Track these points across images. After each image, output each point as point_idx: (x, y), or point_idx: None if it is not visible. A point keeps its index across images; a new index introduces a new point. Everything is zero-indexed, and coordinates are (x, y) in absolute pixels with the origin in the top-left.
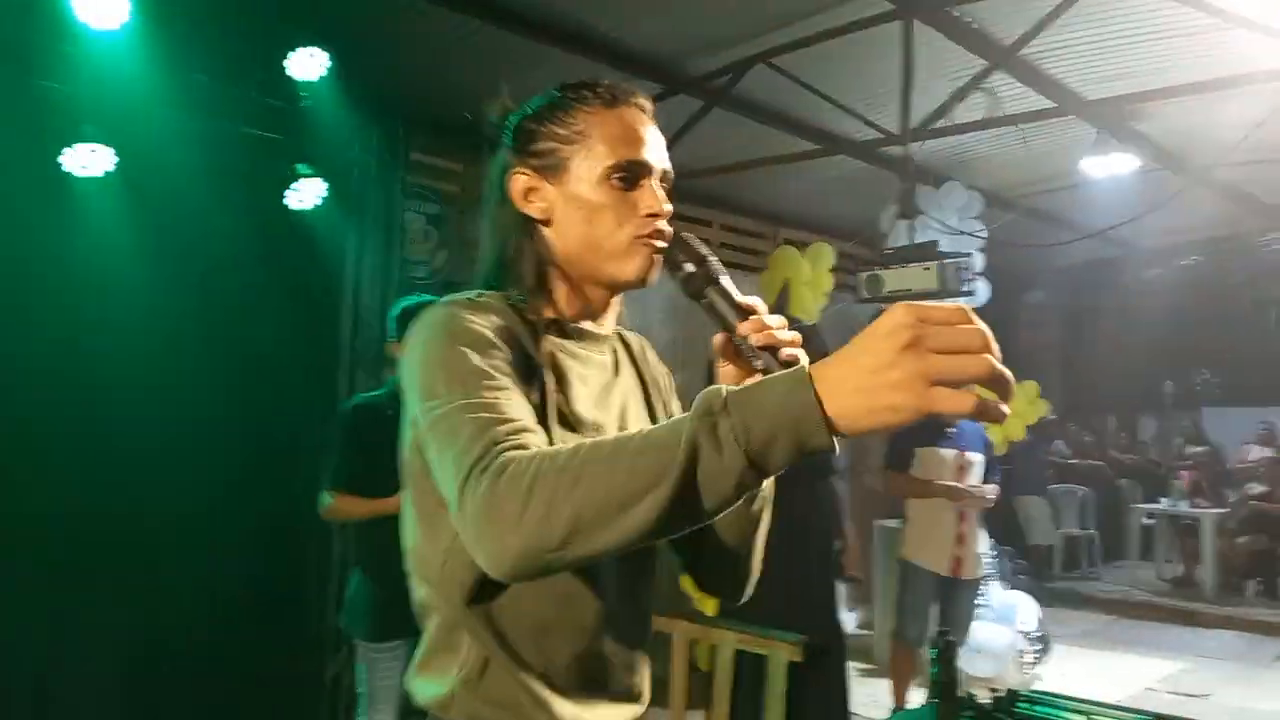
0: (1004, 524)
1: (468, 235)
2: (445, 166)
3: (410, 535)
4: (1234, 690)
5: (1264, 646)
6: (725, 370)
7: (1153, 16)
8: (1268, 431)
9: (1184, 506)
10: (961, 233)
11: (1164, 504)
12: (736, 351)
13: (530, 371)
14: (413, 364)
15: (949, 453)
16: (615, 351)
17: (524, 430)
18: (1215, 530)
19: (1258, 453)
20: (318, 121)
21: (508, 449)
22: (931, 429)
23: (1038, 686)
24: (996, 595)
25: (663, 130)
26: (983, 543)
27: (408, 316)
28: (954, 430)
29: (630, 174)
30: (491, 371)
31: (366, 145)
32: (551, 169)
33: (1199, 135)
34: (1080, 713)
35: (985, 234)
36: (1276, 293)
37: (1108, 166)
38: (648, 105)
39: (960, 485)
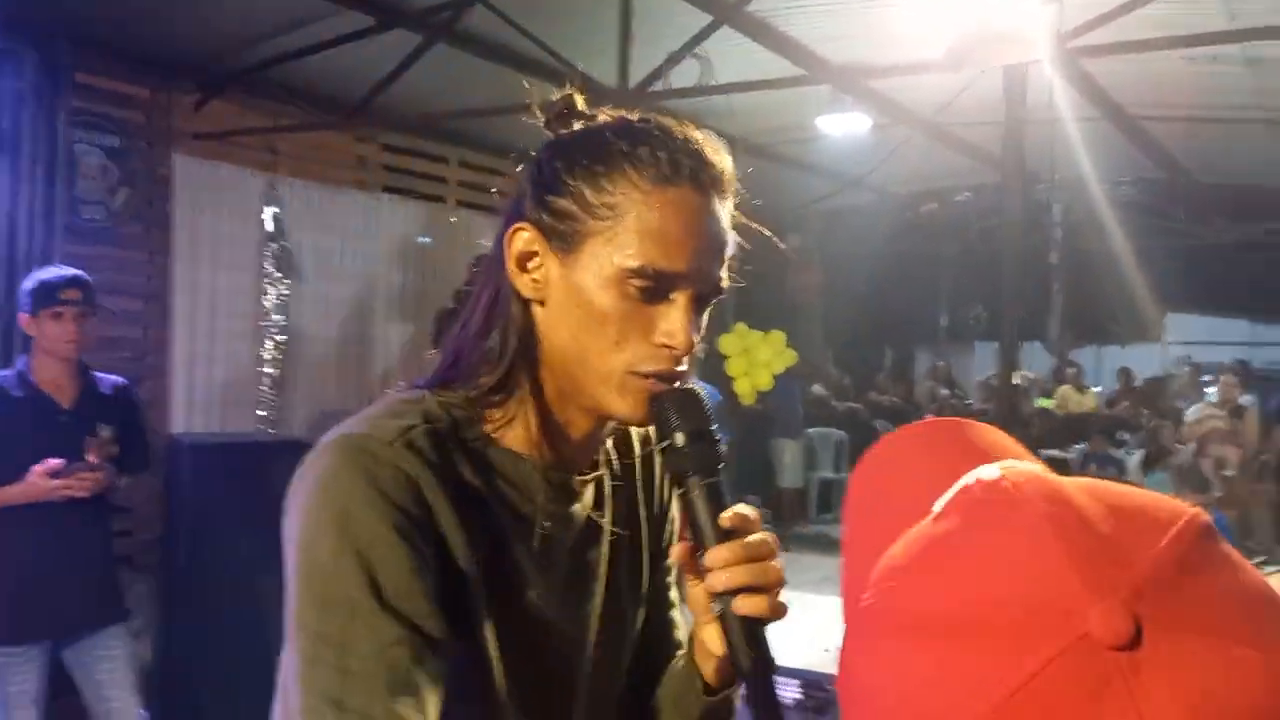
0: (759, 469)
1: (158, 170)
2: (126, 92)
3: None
4: None
5: None
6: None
7: None
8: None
9: None
10: None
11: None
12: (694, 569)
13: (448, 568)
14: (291, 533)
15: None
16: (602, 487)
17: None
18: None
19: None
20: None
21: None
22: None
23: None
24: None
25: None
26: None
27: (45, 291)
28: None
29: (655, 285)
30: (381, 622)
31: (18, 66)
32: (562, 239)
33: (919, 92)
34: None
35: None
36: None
37: (843, 124)
38: (723, 181)
39: None
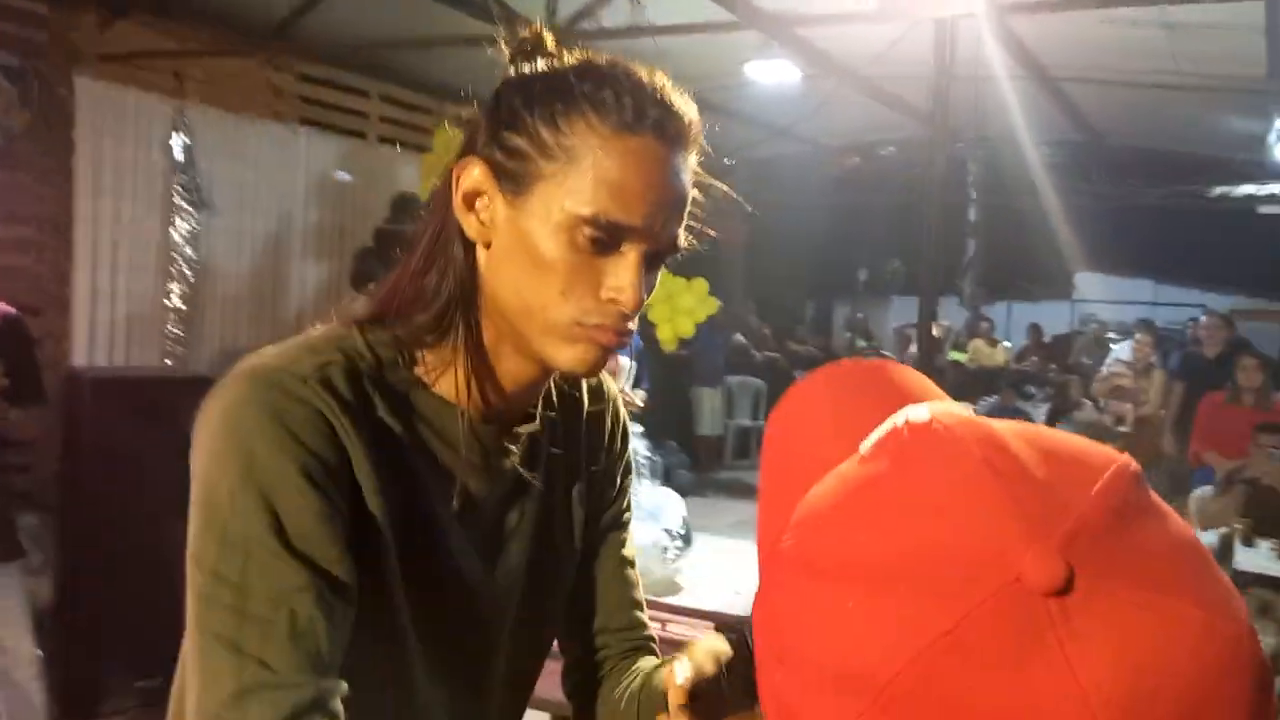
0: (679, 416)
1: (60, 93)
2: (26, 8)
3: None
4: None
5: None
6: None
7: None
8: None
9: None
10: None
11: None
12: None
13: (360, 516)
14: (195, 472)
15: None
16: (539, 443)
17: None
18: None
19: (914, 348)
20: None
21: None
22: None
23: (680, 579)
24: (646, 493)
25: None
26: (638, 444)
27: None
28: None
29: (607, 236)
30: (284, 565)
31: None
32: (513, 179)
33: (851, 43)
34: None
35: None
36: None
37: (774, 73)
38: (688, 134)
39: None
